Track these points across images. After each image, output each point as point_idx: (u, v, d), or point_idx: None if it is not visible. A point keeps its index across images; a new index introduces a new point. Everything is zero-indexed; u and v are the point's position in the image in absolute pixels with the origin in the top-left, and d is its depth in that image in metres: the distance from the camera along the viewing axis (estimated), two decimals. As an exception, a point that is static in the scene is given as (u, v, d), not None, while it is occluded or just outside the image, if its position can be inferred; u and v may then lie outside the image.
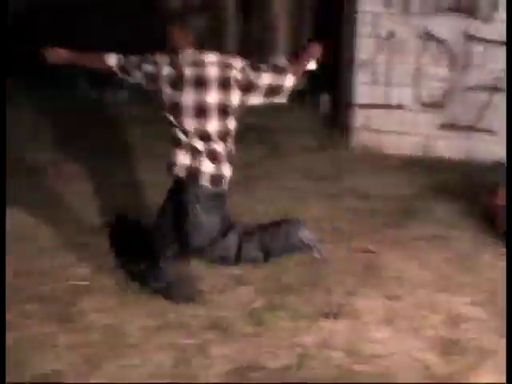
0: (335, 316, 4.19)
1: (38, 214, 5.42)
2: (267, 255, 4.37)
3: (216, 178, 4.19)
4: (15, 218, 5.18)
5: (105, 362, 3.74)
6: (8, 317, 4.03)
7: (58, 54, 4.51)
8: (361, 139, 7.24)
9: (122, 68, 4.36)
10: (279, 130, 7.65)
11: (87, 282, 4.52)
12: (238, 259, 4.35)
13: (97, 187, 6.04)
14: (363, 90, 7.20)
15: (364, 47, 7.10)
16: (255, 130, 7.36)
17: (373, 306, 4.32)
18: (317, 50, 4.43)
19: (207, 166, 4.16)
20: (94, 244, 4.96)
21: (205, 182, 4.16)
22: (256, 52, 6.85)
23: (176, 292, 4.39)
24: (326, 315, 4.19)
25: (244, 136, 7.37)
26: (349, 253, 5.02)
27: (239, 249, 4.31)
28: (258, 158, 6.91)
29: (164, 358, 3.78)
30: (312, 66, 4.47)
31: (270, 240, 4.33)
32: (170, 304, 4.26)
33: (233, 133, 4.26)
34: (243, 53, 4.53)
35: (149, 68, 4.22)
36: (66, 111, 7.91)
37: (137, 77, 4.31)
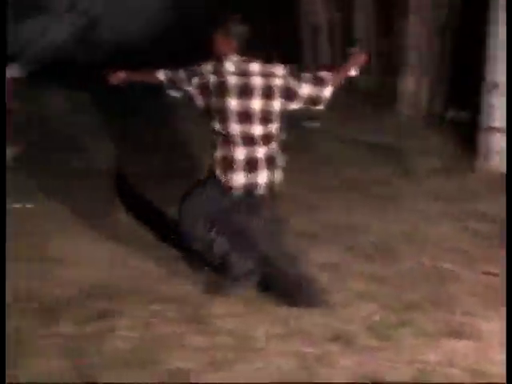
0: (457, 335, 4.19)
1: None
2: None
3: (249, 186, 4.42)
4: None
5: (230, 364, 3.87)
6: (142, 315, 4.33)
7: (117, 76, 4.86)
8: (491, 162, 7.15)
9: (171, 81, 4.62)
10: (407, 150, 7.67)
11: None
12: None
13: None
14: (500, 113, 7.09)
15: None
16: (382, 150, 7.42)
17: (495, 328, 4.29)
18: (362, 58, 4.64)
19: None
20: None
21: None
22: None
23: (301, 297, 4.51)
24: (449, 334, 4.20)
25: (370, 155, 7.57)
26: (472, 274, 5.00)
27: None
28: (385, 178, 6.96)
29: (286, 364, 3.87)
30: (353, 72, 4.65)
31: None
32: (293, 313, 4.36)
33: (276, 137, 4.47)
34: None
35: (196, 78, 4.46)
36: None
37: (185, 88, 4.55)
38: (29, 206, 6.11)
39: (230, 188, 4.44)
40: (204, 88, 4.43)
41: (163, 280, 4.80)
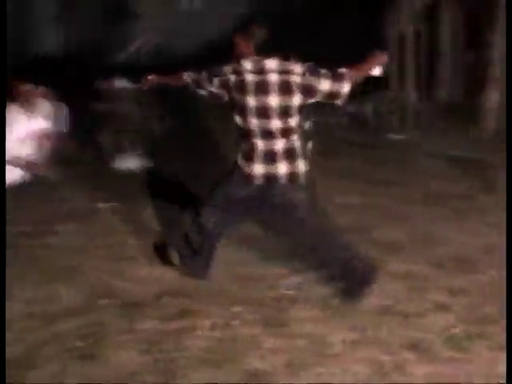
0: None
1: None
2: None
3: (268, 176, 4.64)
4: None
5: (305, 367, 3.92)
6: (222, 316, 4.42)
7: (148, 81, 5.17)
8: None
9: (196, 82, 4.83)
10: (490, 164, 7.61)
11: (295, 292, 4.73)
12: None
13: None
14: None
15: None
16: (466, 163, 7.39)
17: None
18: (383, 57, 4.76)
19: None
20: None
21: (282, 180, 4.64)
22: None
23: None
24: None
25: (454, 169, 7.54)
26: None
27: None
28: (467, 192, 6.94)
29: (361, 370, 3.90)
30: (377, 72, 4.75)
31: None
32: (370, 320, 4.39)
33: (296, 130, 4.62)
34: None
35: (217, 79, 4.66)
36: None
37: (209, 88, 4.76)
38: (113, 204, 6.29)
39: (251, 177, 4.65)
40: (225, 87, 4.64)
41: (243, 282, 4.89)
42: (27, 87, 5.84)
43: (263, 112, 4.54)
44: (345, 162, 7.69)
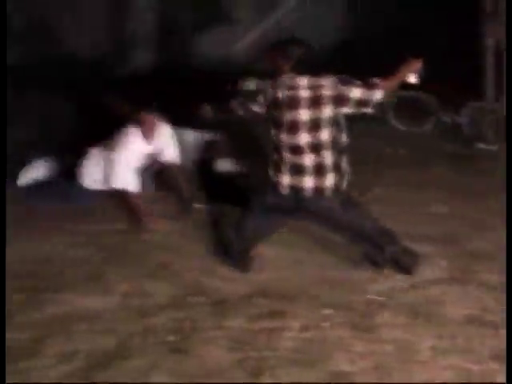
0: None
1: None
2: None
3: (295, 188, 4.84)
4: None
5: (393, 372, 3.94)
6: (312, 318, 4.48)
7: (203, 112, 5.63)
8: None
9: (241, 104, 5.14)
10: None
11: (384, 298, 4.74)
12: None
13: (402, 213, 6.22)
14: None
15: None
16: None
17: None
18: (418, 64, 4.82)
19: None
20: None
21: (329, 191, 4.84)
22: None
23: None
24: None
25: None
26: None
27: None
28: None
29: (448, 378, 3.89)
30: (412, 79, 4.82)
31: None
32: (458, 329, 4.37)
33: (328, 144, 4.76)
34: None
35: (261, 97, 4.90)
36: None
37: (253, 107, 5.00)
38: (207, 205, 6.41)
39: (279, 187, 4.87)
40: (265, 103, 4.87)
41: (333, 286, 4.92)
42: (152, 117, 5.97)
43: (293, 126, 4.72)
44: (435, 171, 7.63)
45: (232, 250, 5.19)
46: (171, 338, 4.28)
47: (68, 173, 6.45)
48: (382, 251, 5.03)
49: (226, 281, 4.98)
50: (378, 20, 10.48)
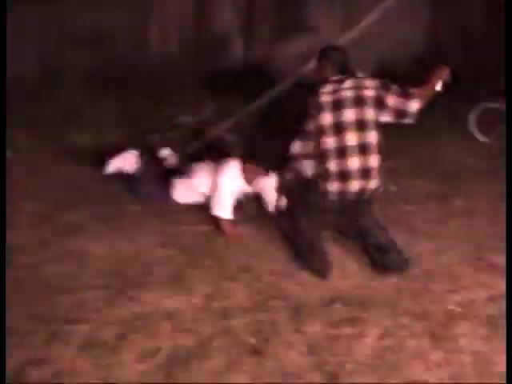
0: None
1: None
2: None
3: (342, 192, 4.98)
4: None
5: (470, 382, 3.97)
6: (390, 326, 4.52)
7: None
8: None
9: None
10: None
11: (463, 309, 4.74)
12: None
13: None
14: None
15: None
16: None
17: None
18: (445, 72, 4.89)
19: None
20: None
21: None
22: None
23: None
24: None
25: None
26: None
27: None
28: None
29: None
30: (438, 87, 4.88)
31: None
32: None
33: (374, 146, 4.89)
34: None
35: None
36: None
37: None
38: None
39: (327, 193, 5.00)
40: (310, 109, 4.97)
41: (413, 295, 4.93)
42: (254, 168, 6.02)
43: (339, 129, 4.83)
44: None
45: (311, 255, 5.24)
46: (250, 339, 4.36)
47: (156, 170, 6.54)
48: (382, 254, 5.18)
49: (306, 286, 5.03)
50: (456, 33, 10.39)
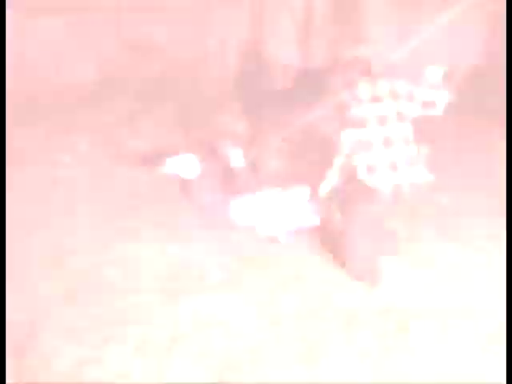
0: None
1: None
2: None
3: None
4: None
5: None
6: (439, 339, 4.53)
7: None
8: None
9: None
10: None
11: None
12: None
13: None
14: None
15: None
16: None
17: None
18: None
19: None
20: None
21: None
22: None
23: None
24: None
25: None
26: None
27: None
28: None
29: None
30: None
31: None
32: None
33: (410, 138, 5.00)
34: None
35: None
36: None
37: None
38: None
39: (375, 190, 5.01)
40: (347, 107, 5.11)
41: (461, 312, 4.91)
42: None
43: (379, 123, 4.97)
44: None
45: (362, 265, 5.27)
46: (301, 347, 4.42)
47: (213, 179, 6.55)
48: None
49: (357, 294, 5.07)
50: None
